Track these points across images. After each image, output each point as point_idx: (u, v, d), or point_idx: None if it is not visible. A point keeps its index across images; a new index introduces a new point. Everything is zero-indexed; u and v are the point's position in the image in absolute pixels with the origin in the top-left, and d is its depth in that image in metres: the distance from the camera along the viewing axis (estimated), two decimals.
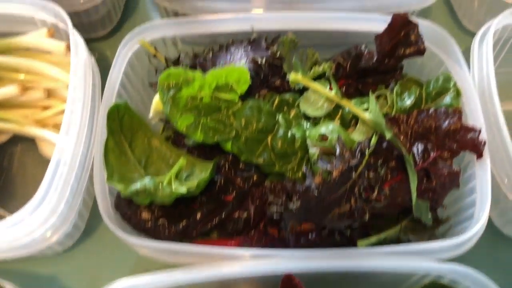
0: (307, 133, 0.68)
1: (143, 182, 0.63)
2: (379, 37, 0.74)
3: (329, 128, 0.66)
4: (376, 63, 0.76)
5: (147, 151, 0.73)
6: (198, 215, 0.67)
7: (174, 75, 0.64)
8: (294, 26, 0.78)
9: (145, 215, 0.67)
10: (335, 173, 0.61)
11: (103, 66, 0.95)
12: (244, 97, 0.70)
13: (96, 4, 0.85)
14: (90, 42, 0.96)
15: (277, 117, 0.71)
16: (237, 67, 0.65)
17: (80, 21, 0.88)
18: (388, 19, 0.74)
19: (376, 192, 0.64)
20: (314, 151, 0.66)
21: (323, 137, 0.66)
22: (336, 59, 0.80)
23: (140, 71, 0.79)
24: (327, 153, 0.65)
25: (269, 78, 0.75)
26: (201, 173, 0.70)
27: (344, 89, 0.80)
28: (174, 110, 0.65)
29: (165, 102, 0.65)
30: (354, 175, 0.62)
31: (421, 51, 0.75)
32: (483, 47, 0.76)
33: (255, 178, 0.71)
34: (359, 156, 0.63)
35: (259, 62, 0.73)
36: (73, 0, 0.82)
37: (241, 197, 0.70)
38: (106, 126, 0.69)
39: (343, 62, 0.79)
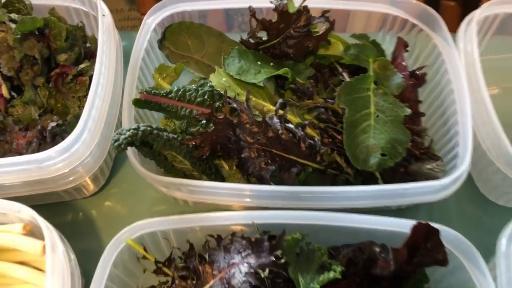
0: None
1: None
2: (396, 251, 0.66)
3: None
4: (392, 272, 0.68)
5: None
6: None
7: None
8: (298, 222, 0.70)
9: None
10: None
11: (87, 227, 0.87)
12: None
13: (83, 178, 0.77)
14: (74, 201, 0.89)
15: None
16: None
17: (65, 189, 0.80)
18: (405, 223, 0.66)
19: None
20: None
21: None
22: (347, 255, 0.72)
23: (128, 272, 0.71)
24: None
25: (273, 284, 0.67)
26: None
27: (355, 286, 0.73)
28: None
29: None
30: None
31: (442, 262, 0.67)
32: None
33: None
34: None
35: (262, 276, 0.65)
36: (60, 182, 0.74)
37: None
38: None
39: (355, 258, 0.72)
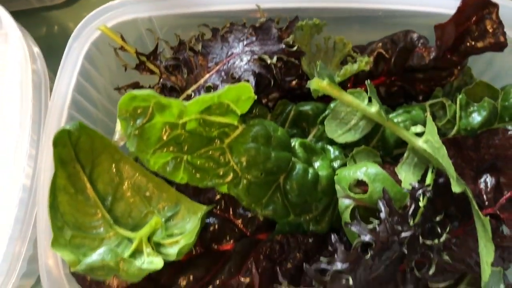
0: (336, 173, 0.48)
1: (100, 255, 0.44)
2: (441, 28, 0.51)
3: (369, 173, 0.45)
4: (433, 61, 0.54)
5: (114, 180, 0.53)
6: (183, 284, 0.49)
7: (140, 99, 0.42)
8: (316, 5, 0.55)
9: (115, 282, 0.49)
10: (377, 248, 0.41)
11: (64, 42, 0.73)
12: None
13: None
14: (46, 11, 0.75)
15: (293, 143, 0.51)
16: (235, 85, 0.43)
17: None
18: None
19: (433, 265, 0.45)
20: (346, 203, 0.46)
21: (360, 184, 0.46)
22: (376, 48, 0.58)
23: (104, 68, 0.58)
24: (365, 208, 0.46)
25: (282, 78, 0.54)
26: (187, 217, 0.52)
27: (384, 89, 0.60)
28: (143, 146, 0.44)
29: (130, 136, 0.44)
30: (404, 247, 0.42)
31: (499, 45, 0.52)
32: None
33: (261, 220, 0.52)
34: (411, 219, 0.43)
35: (269, 62, 0.51)
36: None
37: (243, 247, 0.52)
38: (53, 157, 0.49)
39: (386, 53, 0.58)
